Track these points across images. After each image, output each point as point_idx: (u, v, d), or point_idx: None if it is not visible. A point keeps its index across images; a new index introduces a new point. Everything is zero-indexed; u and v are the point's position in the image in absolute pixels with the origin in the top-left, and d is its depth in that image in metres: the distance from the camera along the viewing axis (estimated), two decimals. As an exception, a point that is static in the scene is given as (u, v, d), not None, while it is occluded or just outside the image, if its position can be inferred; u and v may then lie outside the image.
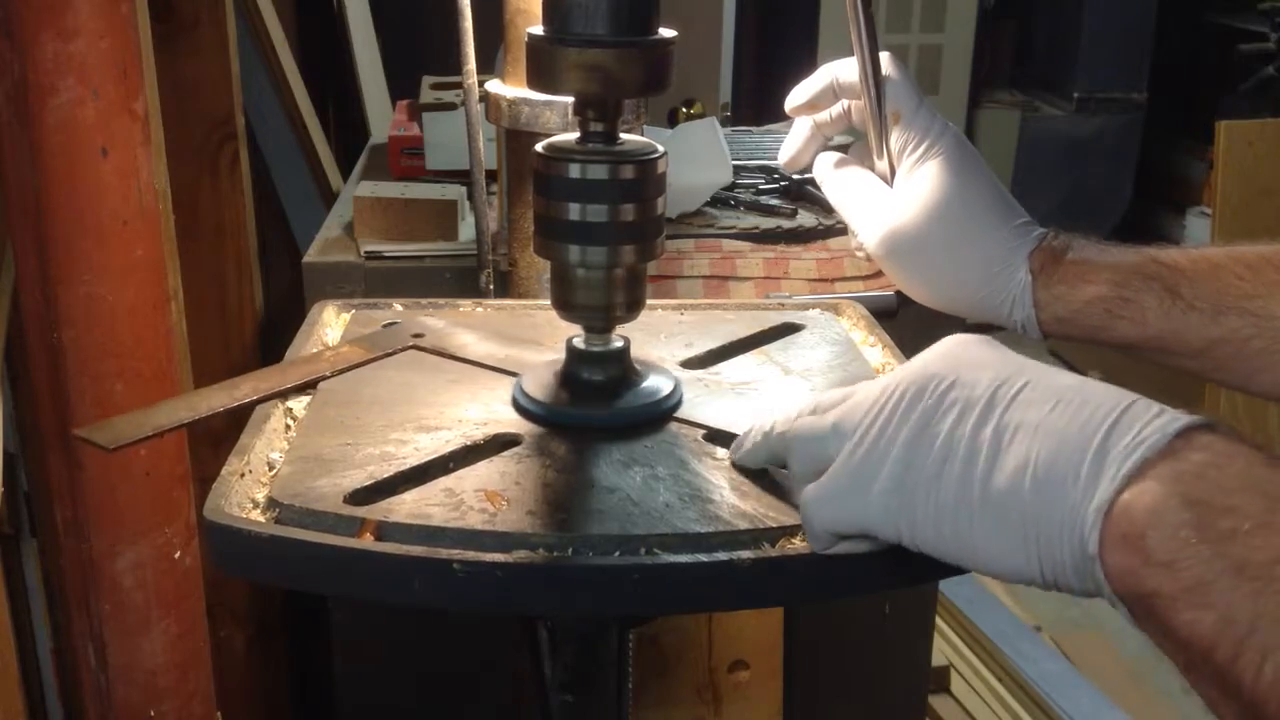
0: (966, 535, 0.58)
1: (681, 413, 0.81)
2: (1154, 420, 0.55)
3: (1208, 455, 0.53)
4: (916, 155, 0.88)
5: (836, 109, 0.93)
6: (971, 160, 0.88)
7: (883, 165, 0.91)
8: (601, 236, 0.77)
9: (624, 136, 0.79)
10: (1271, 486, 0.52)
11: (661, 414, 0.81)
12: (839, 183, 0.93)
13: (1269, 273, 0.82)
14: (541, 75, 0.76)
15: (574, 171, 0.77)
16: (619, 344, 0.83)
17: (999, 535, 0.57)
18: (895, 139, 0.89)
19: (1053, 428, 0.56)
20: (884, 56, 0.88)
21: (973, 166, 0.87)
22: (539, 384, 0.82)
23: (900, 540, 0.61)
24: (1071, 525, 0.54)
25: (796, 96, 0.93)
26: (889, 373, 0.70)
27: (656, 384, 0.83)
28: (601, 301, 0.80)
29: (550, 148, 0.78)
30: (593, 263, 0.78)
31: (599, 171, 0.76)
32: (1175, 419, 0.55)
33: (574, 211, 0.77)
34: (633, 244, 0.78)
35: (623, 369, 0.83)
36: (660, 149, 0.79)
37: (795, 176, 1.72)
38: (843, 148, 0.97)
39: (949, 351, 0.63)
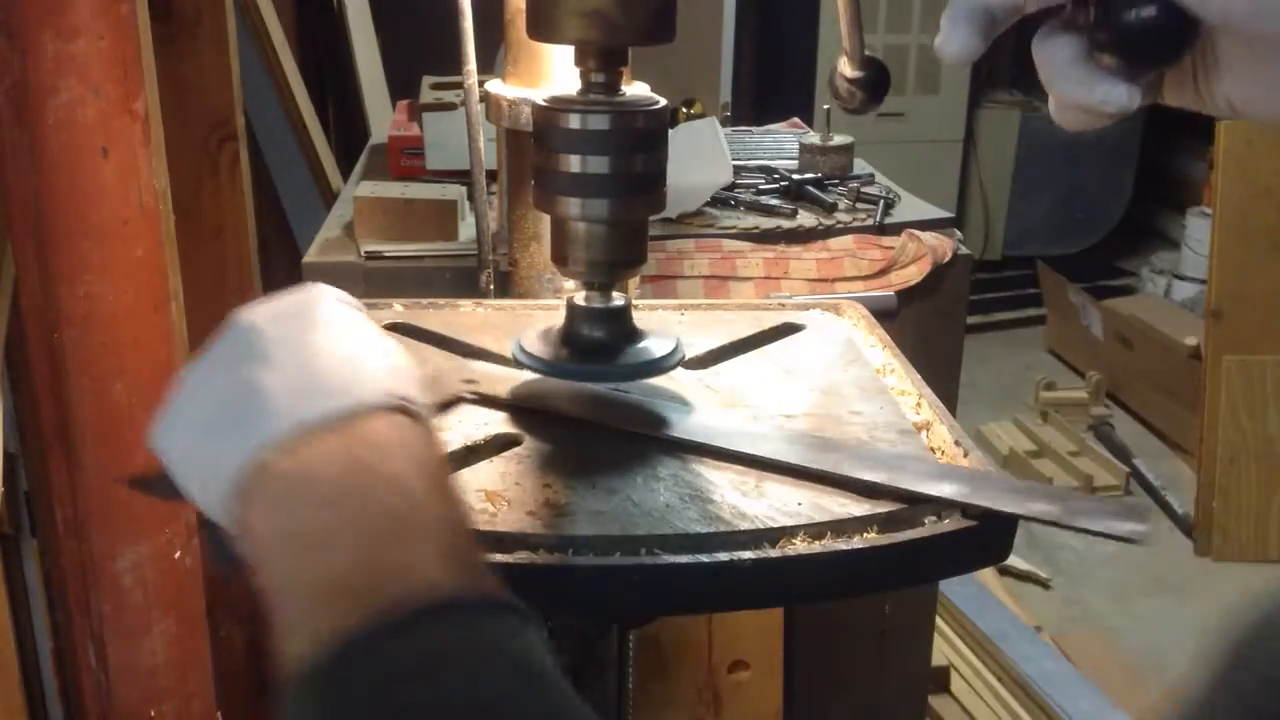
0: (190, 470, 0.59)
1: (678, 429, 0.80)
2: (329, 402, 0.56)
3: (347, 434, 0.55)
4: None
5: None
6: None
7: None
8: (601, 188, 0.76)
9: (626, 89, 0.78)
10: (365, 466, 0.53)
11: (662, 371, 0.80)
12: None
13: None
14: (542, 23, 0.75)
15: (574, 122, 0.75)
16: (620, 301, 0.82)
17: (202, 477, 0.58)
18: None
19: (260, 387, 0.57)
20: None
21: None
22: (539, 341, 0.82)
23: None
24: (223, 484, 0.55)
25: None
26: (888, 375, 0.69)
27: (657, 343, 0.82)
28: (601, 257, 0.79)
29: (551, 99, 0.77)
30: (593, 215, 0.77)
31: (599, 122, 0.75)
32: (362, 403, 0.56)
33: (574, 163, 0.76)
34: (633, 197, 0.77)
35: (624, 327, 0.82)
36: (662, 100, 0.78)
37: (795, 177, 1.72)
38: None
39: (283, 298, 0.64)
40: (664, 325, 0.91)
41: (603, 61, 0.76)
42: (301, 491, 0.53)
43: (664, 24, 0.74)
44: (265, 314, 0.62)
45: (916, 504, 0.70)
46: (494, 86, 1.13)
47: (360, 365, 0.59)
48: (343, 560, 0.51)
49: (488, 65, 1.32)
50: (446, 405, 0.79)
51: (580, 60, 0.77)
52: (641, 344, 0.81)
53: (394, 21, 2.80)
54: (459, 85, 1.32)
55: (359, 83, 2.55)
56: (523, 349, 0.81)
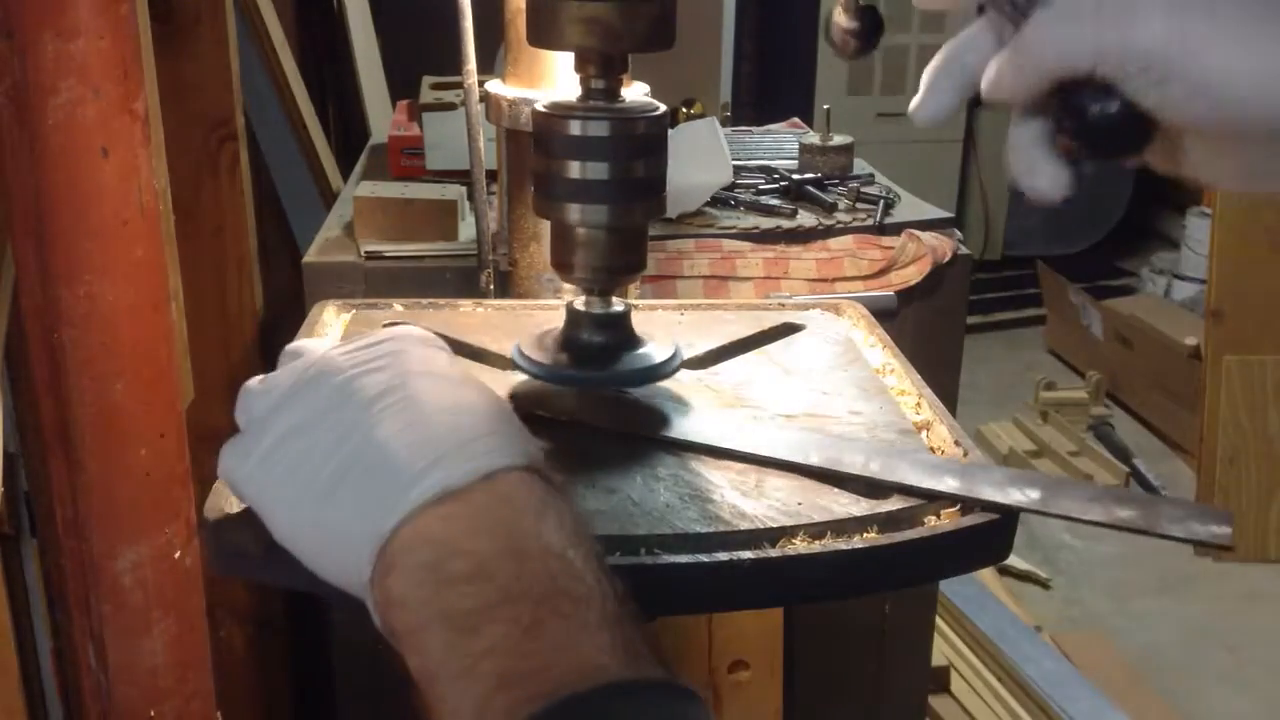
0: (301, 530, 0.57)
1: (682, 432, 0.80)
2: (467, 463, 0.54)
3: (489, 495, 0.53)
4: None
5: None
6: None
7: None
8: (600, 195, 0.76)
9: (625, 94, 0.78)
10: (518, 531, 0.52)
11: (661, 377, 0.80)
12: (1026, 30, 0.55)
13: None
14: (542, 30, 0.75)
15: (574, 129, 0.75)
16: (619, 307, 0.82)
17: (322, 538, 0.56)
18: None
19: (386, 446, 0.55)
20: None
21: None
22: (537, 347, 0.82)
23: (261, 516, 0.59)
24: (358, 550, 0.53)
25: None
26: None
27: (656, 349, 0.82)
28: (601, 262, 0.79)
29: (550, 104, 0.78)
30: (592, 221, 0.77)
31: (599, 128, 0.75)
32: (492, 460, 0.54)
33: (574, 169, 0.76)
34: (632, 203, 0.77)
35: (624, 332, 0.82)
36: (661, 106, 0.78)
37: (795, 177, 1.72)
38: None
39: (372, 343, 0.62)
40: (663, 329, 0.91)
41: (602, 68, 0.76)
42: (452, 564, 0.51)
43: (663, 31, 0.75)
44: (357, 360, 0.60)
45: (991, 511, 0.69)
46: (494, 86, 1.13)
47: (480, 419, 0.57)
48: (504, 640, 0.48)
49: (488, 65, 1.32)
50: None
51: (580, 67, 0.77)
52: (641, 349, 0.81)
53: (394, 21, 2.81)
54: (459, 85, 1.32)
55: (359, 83, 2.55)
56: (522, 353, 0.81)
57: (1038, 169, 0.55)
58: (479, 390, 0.60)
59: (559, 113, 0.76)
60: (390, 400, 0.57)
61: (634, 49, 0.76)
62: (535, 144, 0.78)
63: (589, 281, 0.80)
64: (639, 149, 0.76)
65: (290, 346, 0.66)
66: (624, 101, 0.77)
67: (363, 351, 0.60)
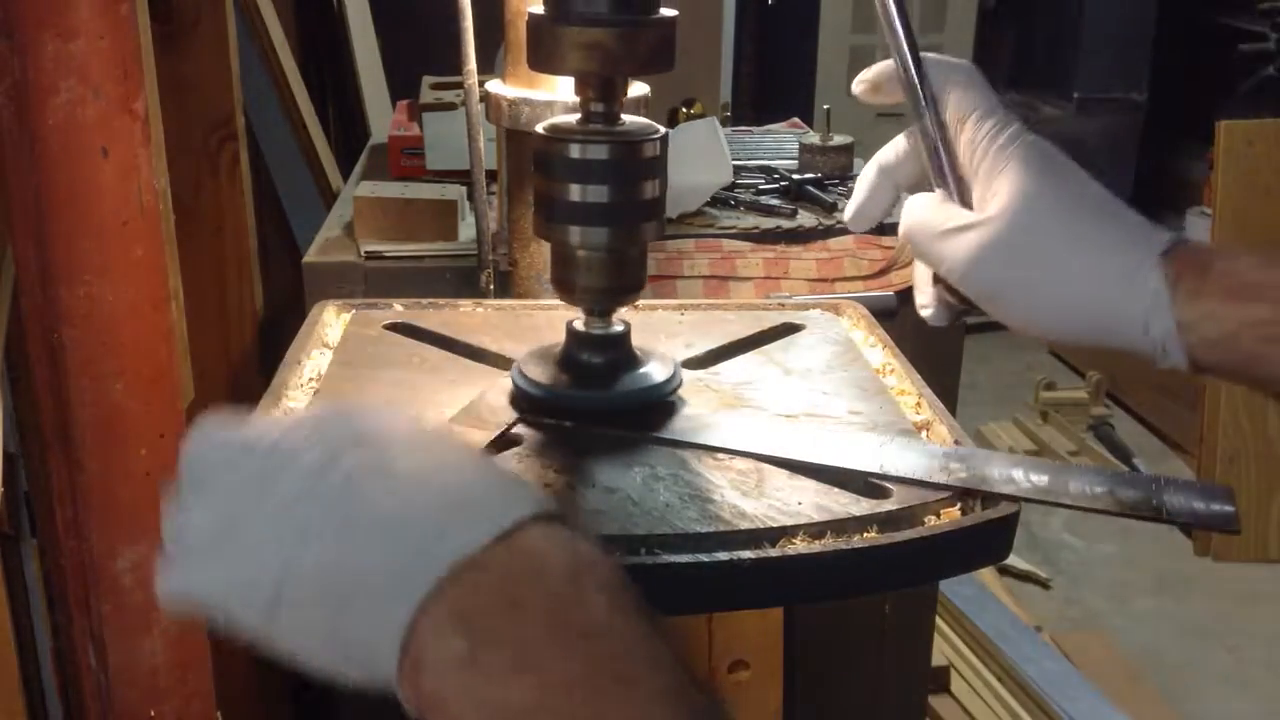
0: (276, 618, 0.50)
1: (682, 433, 0.80)
2: (478, 522, 0.48)
3: (514, 558, 0.48)
4: (992, 157, 0.72)
5: (905, 149, 0.78)
6: (1062, 157, 0.72)
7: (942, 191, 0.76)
8: (601, 217, 0.76)
9: (625, 117, 0.79)
10: (556, 604, 0.47)
11: (660, 398, 0.81)
12: (906, 214, 0.76)
13: None
14: (542, 54, 0.75)
15: (574, 152, 0.76)
16: (619, 328, 0.82)
17: (307, 630, 0.50)
18: (965, 148, 0.73)
19: (373, 521, 0.49)
20: (947, 60, 0.76)
21: (1065, 162, 0.72)
22: (539, 368, 0.82)
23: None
24: (374, 647, 0.48)
25: (863, 78, 0.79)
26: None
27: (656, 369, 0.82)
28: (601, 284, 0.79)
29: (550, 128, 0.78)
30: (592, 244, 0.78)
31: (599, 151, 0.76)
32: (504, 515, 0.49)
33: (574, 192, 0.76)
34: (633, 224, 0.77)
35: (623, 352, 0.82)
36: (661, 129, 0.79)
37: (795, 177, 1.72)
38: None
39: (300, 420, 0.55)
40: (664, 342, 0.91)
41: (602, 91, 0.77)
42: (490, 654, 0.46)
43: (663, 54, 0.75)
44: (293, 440, 0.52)
45: (995, 500, 0.70)
46: (494, 86, 1.13)
47: (472, 469, 0.52)
48: None
49: (488, 65, 1.32)
50: (501, 444, 0.76)
51: (580, 90, 0.77)
52: (641, 369, 0.82)
53: (394, 21, 2.80)
54: (459, 85, 1.32)
55: (359, 83, 2.55)
56: (522, 374, 0.81)
57: (925, 306, 0.79)
58: (449, 440, 0.55)
59: (559, 136, 0.76)
60: (364, 478, 0.50)
61: (634, 73, 0.76)
62: (535, 166, 0.78)
63: (588, 302, 0.81)
64: (639, 172, 0.77)
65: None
66: (624, 124, 0.78)
67: (294, 430, 0.53)
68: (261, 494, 0.51)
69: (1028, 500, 0.70)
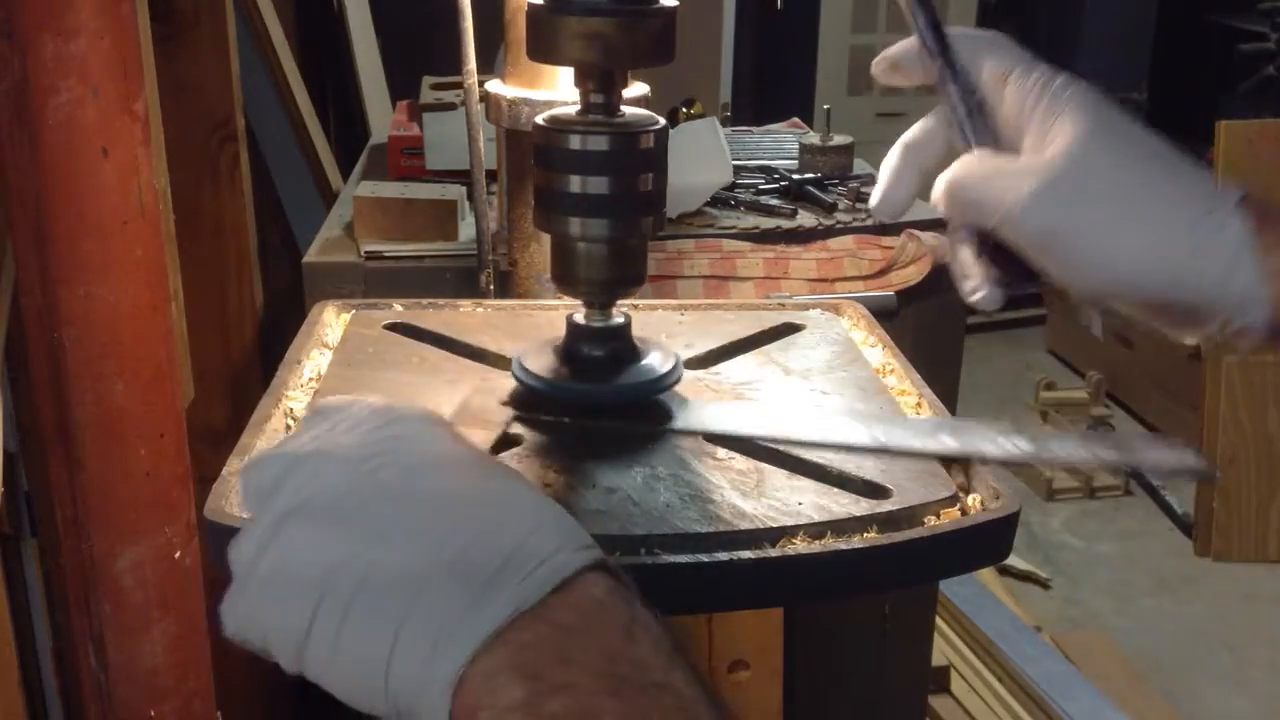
0: (323, 662, 0.50)
1: (680, 421, 0.81)
2: (537, 570, 0.48)
3: (571, 611, 0.48)
4: (1047, 104, 0.66)
5: (931, 125, 0.73)
6: (1117, 106, 0.67)
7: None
8: (601, 209, 0.76)
9: (625, 109, 0.78)
10: (615, 658, 0.47)
11: (662, 390, 0.81)
12: (952, 170, 0.70)
13: None
14: (541, 45, 0.75)
15: (574, 143, 0.76)
16: (619, 320, 0.82)
17: (356, 667, 0.49)
18: (1011, 103, 0.68)
19: (421, 569, 0.49)
20: (972, 30, 0.72)
21: (1121, 111, 0.67)
22: (539, 360, 0.82)
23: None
24: (424, 686, 0.47)
25: (884, 56, 0.74)
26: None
27: (657, 360, 0.82)
28: (601, 276, 0.79)
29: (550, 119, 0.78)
30: (592, 235, 0.77)
31: (599, 143, 0.75)
32: (564, 564, 0.49)
33: (574, 184, 0.76)
34: (633, 217, 0.77)
35: (623, 344, 0.82)
36: (661, 120, 0.78)
37: (795, 177, 1.72)
38: None
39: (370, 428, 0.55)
40: (664, 340, 0.91)
41: (602, 83, 0.76)
42: (550, 703, 0.46)
43: (663, 46, 0.75)
44: (351, 464, 0.53)
45: (975, 463, 0.73)
46: (494, 86, 1.14)
47: (529, 510, 0.51)
48: None
49: (488, 65, 1.32)
50: (499, 445, 0.76)
51: (579, 81, 0.77)
52: (643, 362, 0.82)
53: (394, 21, 2.80)
54: (459, 85, 1.32)
55: (359, 83, 2.55)
56: (522, 366, 0.81)
57: (967, 282, 0.70)
58: (506, 473, 0.55)
59: (558, 127, 0.76)
60: (410, 508, 0.51)
61: (634, 64, 0.76)
62: (535, 158, 0.78)
63: (589, 295, 0.81)
64: (639, 163, 0.76)
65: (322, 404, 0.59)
66: (624, 115, 0.78)
67: (343, 449, 0.53)
68: (328, 524, 0.51)
69: (1019, 464, 0.72)
